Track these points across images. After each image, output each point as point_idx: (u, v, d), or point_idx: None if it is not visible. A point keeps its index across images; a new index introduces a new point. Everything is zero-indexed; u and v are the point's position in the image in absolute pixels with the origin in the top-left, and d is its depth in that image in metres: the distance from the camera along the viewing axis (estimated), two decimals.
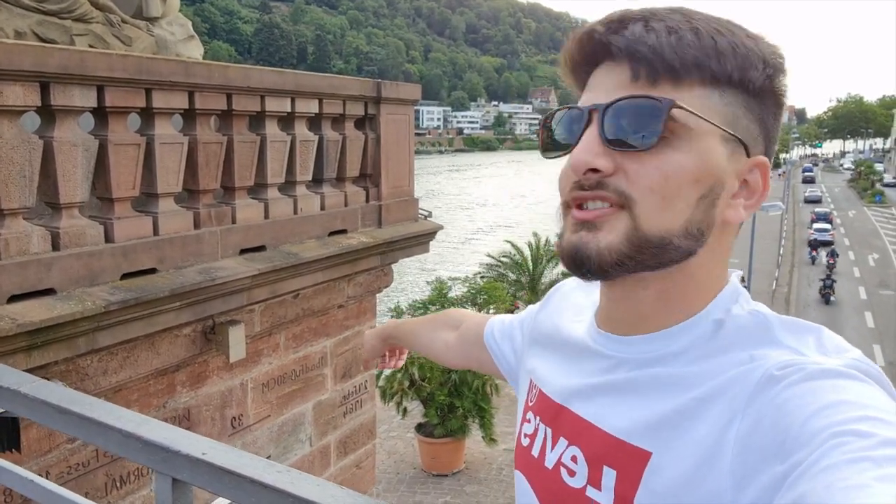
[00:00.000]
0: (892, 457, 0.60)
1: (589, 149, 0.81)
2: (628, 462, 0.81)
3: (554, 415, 0.96)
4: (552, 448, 0.94)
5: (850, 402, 0.67)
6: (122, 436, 1.24)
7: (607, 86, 0.83)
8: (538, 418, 0.99)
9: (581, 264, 0.83)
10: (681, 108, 0.78)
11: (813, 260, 34.15)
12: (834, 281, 28.88)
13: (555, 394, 0.97)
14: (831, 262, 31.65)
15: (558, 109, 0.90)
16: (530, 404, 1.03)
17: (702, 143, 0.80)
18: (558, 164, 0.91)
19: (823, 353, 0.76)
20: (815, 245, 35.47)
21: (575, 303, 1.08)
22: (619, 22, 0.81)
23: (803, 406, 0.68)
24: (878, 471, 0.59)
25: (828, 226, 39.40)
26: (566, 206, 0.86)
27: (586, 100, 0.85)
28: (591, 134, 0.82)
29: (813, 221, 41.51)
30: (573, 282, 1.13)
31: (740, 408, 0.73)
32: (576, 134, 0.84)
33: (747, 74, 0.80)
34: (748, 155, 0.84)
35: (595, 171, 0.81)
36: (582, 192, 0.83)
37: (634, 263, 0.82)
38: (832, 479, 0.60)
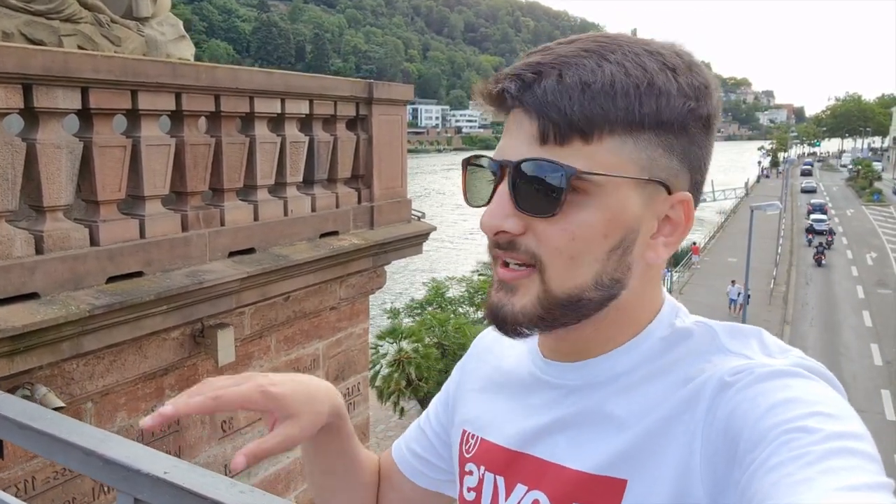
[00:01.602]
0: (837, 449, 0.61)
1: (499, 209, 0.80)
2: (603, 494, 0.79)
3: (507, 462, 0.91)
4: (507, 497, 0.90)
5: (798, 399, 0.68)
6: (82, 453, 1.20)
7: (520, 138, 0.80)
8: (482, 468, 0.95)
9: (499, 325, 0.84)
10: (582, 176, 0.77)
11: (809, 242, 38.59)
12: (826, 248, 35.28)
13: (506, 440, 0.92)
14: (829, 239, 37.80)
15: (481, 155, 0.87)
16: (467, 455, 0.98)
17: (611, 197, 0.78)
18: None
19: (768, 354, 0.78)
20: (812, 231, 39.96)
21: (508, 340, 1.02)
22: (533, 73, 0.78)
23: (754, 408, 0.69)
24: (823, 464, 0.60)
25: (824, 216, 42.77)
26: (492, 257, 0.86)
27: (500, 150, 0.82)
28: (503, 191, 0.80)
29: (810, 212, 45.68)
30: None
31: (700, 419, 0.75)
32: (490, 188, 0.82)
33: (661, 116, 0.78)
34: (670, 192, 0.81)
35: (506, 232, 0.80)
36: (499, 251, 0.83)
37: (548, 323, 0.82)
38: (779, 475, 0.61)
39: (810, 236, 39.40)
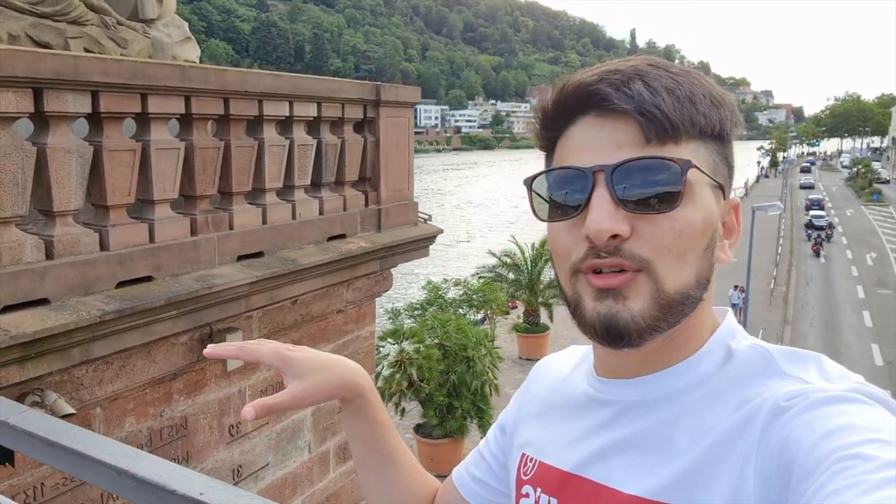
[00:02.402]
0: (895, 478, 0.60)
1: (607, 214, 0.79)
2: None
3: (561, 483, 0.92)
4: None
5: (855, 425, 0.67)
6: (114, 472, 1.18)
7: (606, 145, 0.81)
8: (538, 490, 0.95)
9: (618, 336, 0.80)
10: (695, 167, 0.81)
11: (809, 237, 40.35)
12: (824, 239, 37.78)
13: (561, 461, 0.93)
14: (829, 232, 40.25)
15: (547, 171, 0.87)
16: (525, 477, 0.99)
17: (702, 196, 0.82)
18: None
19: (827, 379, 0.77)
20: (811, 226, 41.71)
21: (567, 364, 1.06)
22: (619, 79, 0.80)
23: (809, 433, 0.68)
24: (879, 493, 0.59)
25: (822, 212, 45.12)
26: (574, 272, 0.83)
27: (581, 159, 0.82)
28: (604, 197, 0.79)
29: (808, 207, 48.80)
30: (555, 355, 1.12)
31: (754, 445, 0.74)
32: (582, 197, 0.81)
33: (724, 125, 0.83)
34: (724, 198, 0.87)
35: (615, 236, 0.79)
36: (599, 261, 0.80)
37: (666, 325, 0.81)
38: (834, 503, 0.60)
39: (809, 231, 41.16)
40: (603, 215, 0.78)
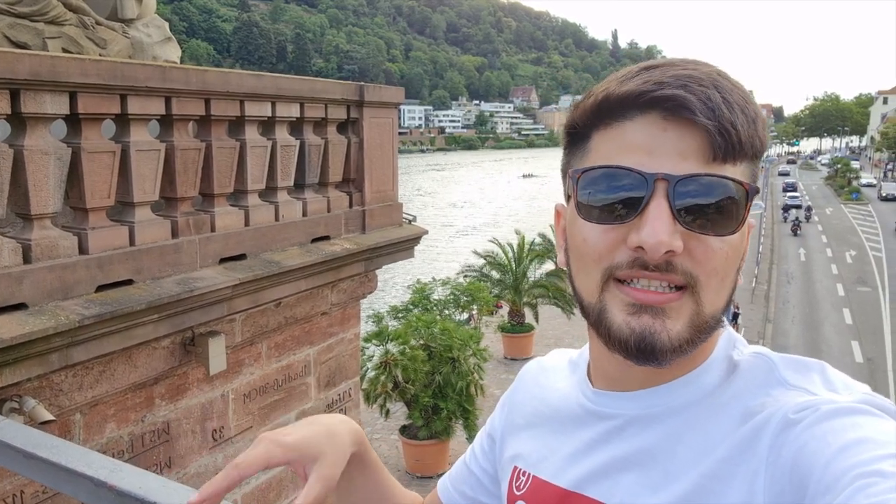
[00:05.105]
0: None
1: (664, 227, 0.73)
2: None
3: (557, 501, 0.88)
4: None
5: (871, 439, 0.65)
6: (93, 484, 1.15)
7: (669, 152, 0.74)
8: None
9: (651, 355, 0.76)
10: (757, 192, 0.79)
11: (785, 219, 44.68)
12: (802, 221, 42.40)
13: (557, 477, 0.89)
14: (808, 214, 45.31)
15: (599, 167, 0.78)
16: (518, 492, 0.95)
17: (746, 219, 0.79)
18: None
19: (832, 389, 0.75)
20: (787, 208, 46.81)
21: (554, 371, 1.02)
22: (700, 87, 0.74)
23: (825, 447, 0.66)
24: None
25: (797, 194, 52.38)
26: (607, 278, 0.78)
27: (640, 162, 0.75)
28: (663, 209, 0.73)
29: (784, 190, 56.61)
30: (541, 361, 1.08)
31: (763, 459, 0.72)
32: (634, 202, 0.75)
33: (765, 146, 0.80)
34: None
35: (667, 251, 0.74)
36: (646, 272, 0.75)
37: (694, 348, 0.78)
38: None
39: (786, 213, 45.36)
40: (663, 229, 0.73)
